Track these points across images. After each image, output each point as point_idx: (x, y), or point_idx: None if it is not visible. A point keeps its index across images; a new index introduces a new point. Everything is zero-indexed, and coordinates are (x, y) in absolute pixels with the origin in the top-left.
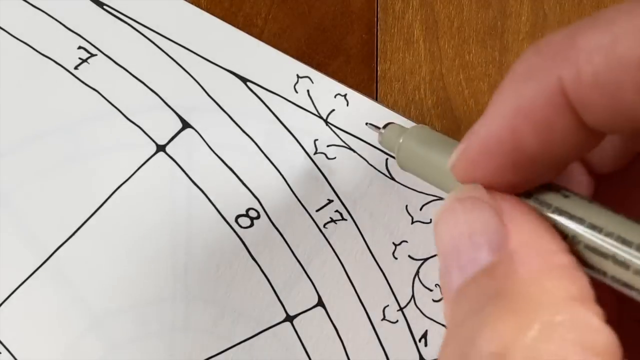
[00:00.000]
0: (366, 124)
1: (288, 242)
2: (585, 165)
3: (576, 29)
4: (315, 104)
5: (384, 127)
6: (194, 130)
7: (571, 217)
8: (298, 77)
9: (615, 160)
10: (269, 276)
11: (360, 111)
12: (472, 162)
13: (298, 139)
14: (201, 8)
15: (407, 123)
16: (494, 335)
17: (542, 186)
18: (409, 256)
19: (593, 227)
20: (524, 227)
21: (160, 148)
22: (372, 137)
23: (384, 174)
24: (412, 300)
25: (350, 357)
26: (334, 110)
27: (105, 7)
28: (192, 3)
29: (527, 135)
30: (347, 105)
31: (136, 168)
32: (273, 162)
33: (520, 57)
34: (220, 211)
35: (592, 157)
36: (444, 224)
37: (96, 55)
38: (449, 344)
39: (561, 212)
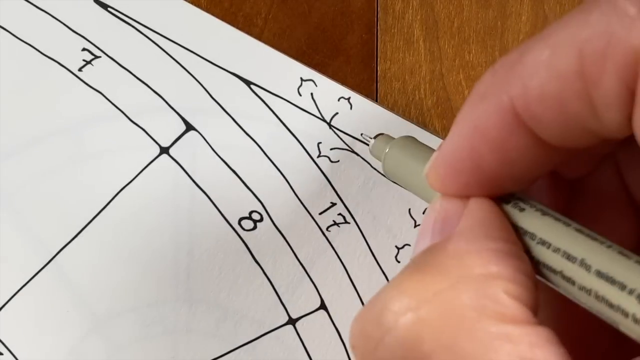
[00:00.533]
0: (361, 134)
1: (291, 245)
2: (553, 173)
3: (525, 46)
4: (319, 107)
5: (375, 137)
6: (197, 133)
7: (524, 232)
8: (302, 80)
9: (581, 165)
10: (271, 279)
11: (363, 114)
12: (440, 179)
13: (301, 141)
14: (201, 8)
15: (408, 125)
16: (398, 294)
17: (502, 197)
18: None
19: (543, 242)
20: (476, 215)
21: (164, 150)
22: None
23: (386, 177)
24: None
25: None
26: (337, 113)
27: (109, 9)
28: (191, 3)
29: (485, 154)
30: (351, 108)
31: (139, 170)
32: (276, 164)
33: (487, 71)
34: (223, 214)
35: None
36: (425, 214)
37: (100, 57)
38: (363, 308)
39: (515, 227)
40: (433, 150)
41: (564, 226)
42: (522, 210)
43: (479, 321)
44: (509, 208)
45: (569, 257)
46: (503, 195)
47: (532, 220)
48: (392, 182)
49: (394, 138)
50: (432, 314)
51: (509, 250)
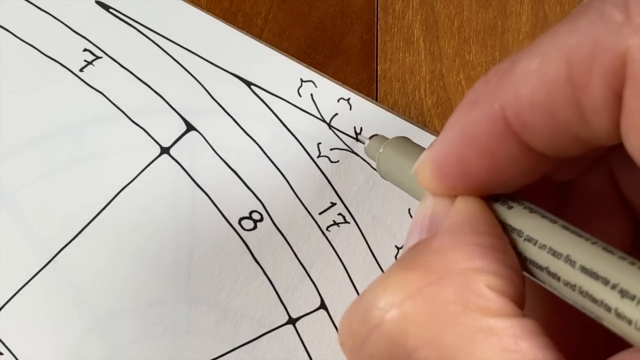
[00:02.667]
0: (357, 135)
1: (291, 244)
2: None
3: (517, 55)
4: (319, 108)
5: (370, 137)
6: (198, 133)
7: (512, 229)
8: (302, 81)
9: (572, 168)
10: (271, 279)
11: (362, 115)
12: (428, 179)
13: (301, 142)
14: (201, 7)
15: (408, 125)
16: (383, 291)
17: (491, 195)
18: None
19: (529, 239)
20: (462, 211)
21: (165, 150)
22: None
23: (381, 176)
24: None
25: None
26: (337, 114)
27: (110, 10)
28: (191, 3)
29: (473, 161)
30: (350, 109)
31: (140, 170)
32: (276, 165)
33: (482, 76)
34: (224, 213)
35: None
36: (415, 213)
37: (101, 57)
38: (350, 305)
39: (503, 225)
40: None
41: (551, 223)
42: (510, 207)
43: (462, 315)
44: (497, 206)
45: (555, 254)
46: (491, 194)
47: (519, 218)
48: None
49: (386, 138)
50: (416, 309)
51: (494, 244)
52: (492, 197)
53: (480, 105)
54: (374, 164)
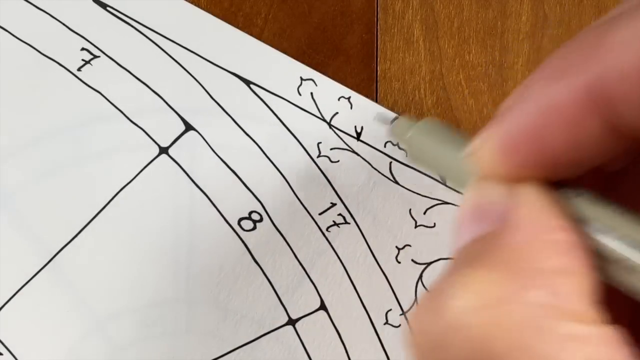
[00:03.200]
0: (357, 135)
1: (291, 245)
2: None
3: (606, 24)
4: (319, 107)
5: (393, 120)
6: (197, 133)
7: (584, 220)
8: (302, 79)
9: (619, 158)
10: (271, 279)
11: (363, 114)
12: (494, 155)
13: (301, 141)
14: (201, 7)
15: None
16: (464, 292)
17: (555, 183)
18: (412, 260)
19: (603, 230)
20: (529, 203)
21: (163, 150)
22: (375, 140)
23: (387, 177)
24: (415, 304)
25: None
26: (337, 113)
27: (108, 8)
28: (191, 3)
29: (555, 135)
30: (351, 108)
31: (139, 170)
32: (276, 164)
33: (555, 52)
34: (223, 214)
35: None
36: (464, 198)
37: (99, 56)
38: (422, 303)
39: (572, 216)
40: (457, 133)
41: (622, 212)
42: (576, 196)
43: (549, 321)
44: (564, 194)
45: (635, 245)
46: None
47: (591, 208)
48: (412, 165)
49: (413, 121)
50: (502, 313)
51: (573, 241)
52: (550, 186)
53: (567, 76)
54: (375, 164)
